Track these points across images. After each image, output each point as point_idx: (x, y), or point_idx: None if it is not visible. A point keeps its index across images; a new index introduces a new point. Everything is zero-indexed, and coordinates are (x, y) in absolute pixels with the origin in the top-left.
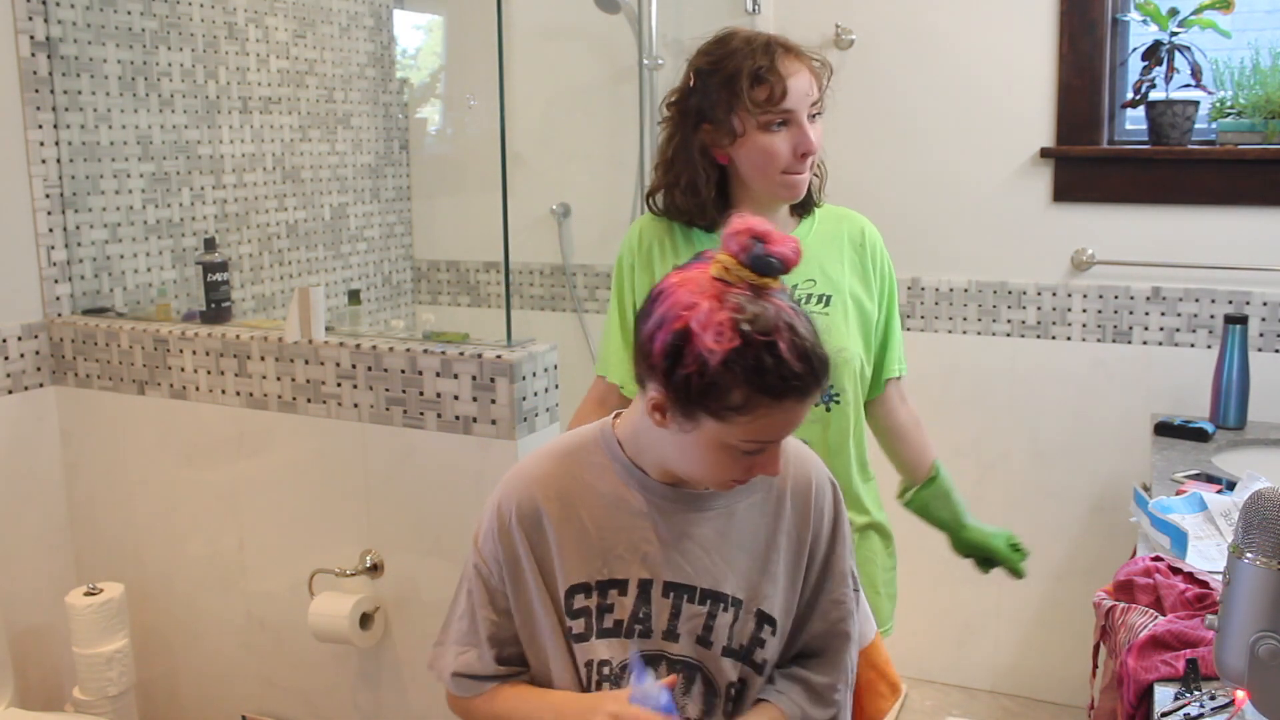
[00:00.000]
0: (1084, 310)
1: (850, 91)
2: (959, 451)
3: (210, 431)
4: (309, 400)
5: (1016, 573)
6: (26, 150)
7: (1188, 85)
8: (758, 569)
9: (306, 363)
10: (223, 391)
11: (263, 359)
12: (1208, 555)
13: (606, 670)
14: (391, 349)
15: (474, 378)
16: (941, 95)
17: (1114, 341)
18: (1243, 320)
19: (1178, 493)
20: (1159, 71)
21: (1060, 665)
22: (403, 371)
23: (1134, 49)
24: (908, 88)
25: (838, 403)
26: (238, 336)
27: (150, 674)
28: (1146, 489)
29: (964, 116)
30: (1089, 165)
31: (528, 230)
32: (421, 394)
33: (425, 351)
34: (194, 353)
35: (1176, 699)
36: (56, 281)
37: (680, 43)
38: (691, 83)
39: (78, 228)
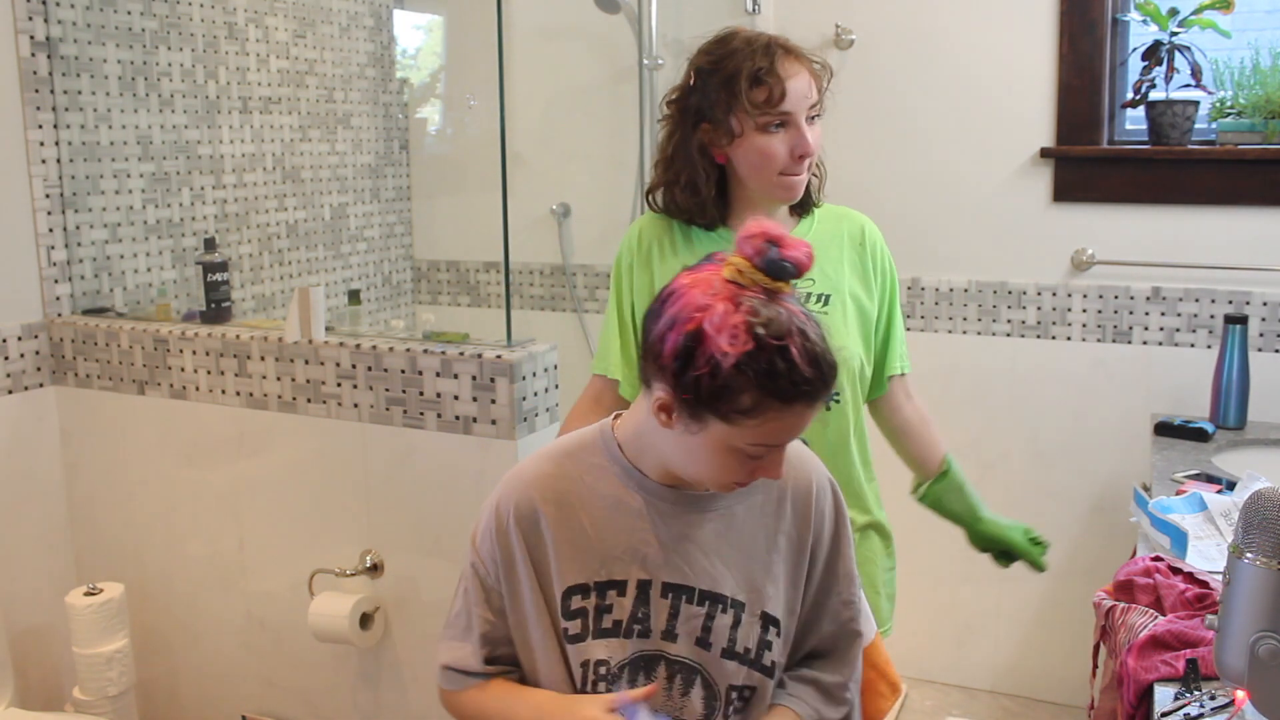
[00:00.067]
0: (1084, 310)
1: (850, 91)
2: (959, 452)
3: (210, 431)
4: (309, 400)
5: (1037, 566)
6: (26, 150)
7: (1188, 85)
8: (757, 571)
9: (306, 363)
10: (223, 391)
11: (263, 359)
12: (1208, 555)
13: (603, 670)
14: (391, 349)
15: (474, 378)
16: (941, 95)
17: (1114, 341)
18: (1243, 320)
19: (1178, 493)
20: (1159, 71)
21: (1060, 665)
22: (403, 371)
23: (1134, 49)
24: (908, 88)
25: (837, 402)
26: (238, 336)
27: (150, 674)
28: (1146, 489)
29: (964, 116)
30: (1089, 165)
31: (528, 230)
32: (421, 394)
33: (425, 351)
34: (194, 353)
35: (1176, 699)
36: (56, 281)
37: (680, 43)
38: (692, 81)
39: (78, 228)
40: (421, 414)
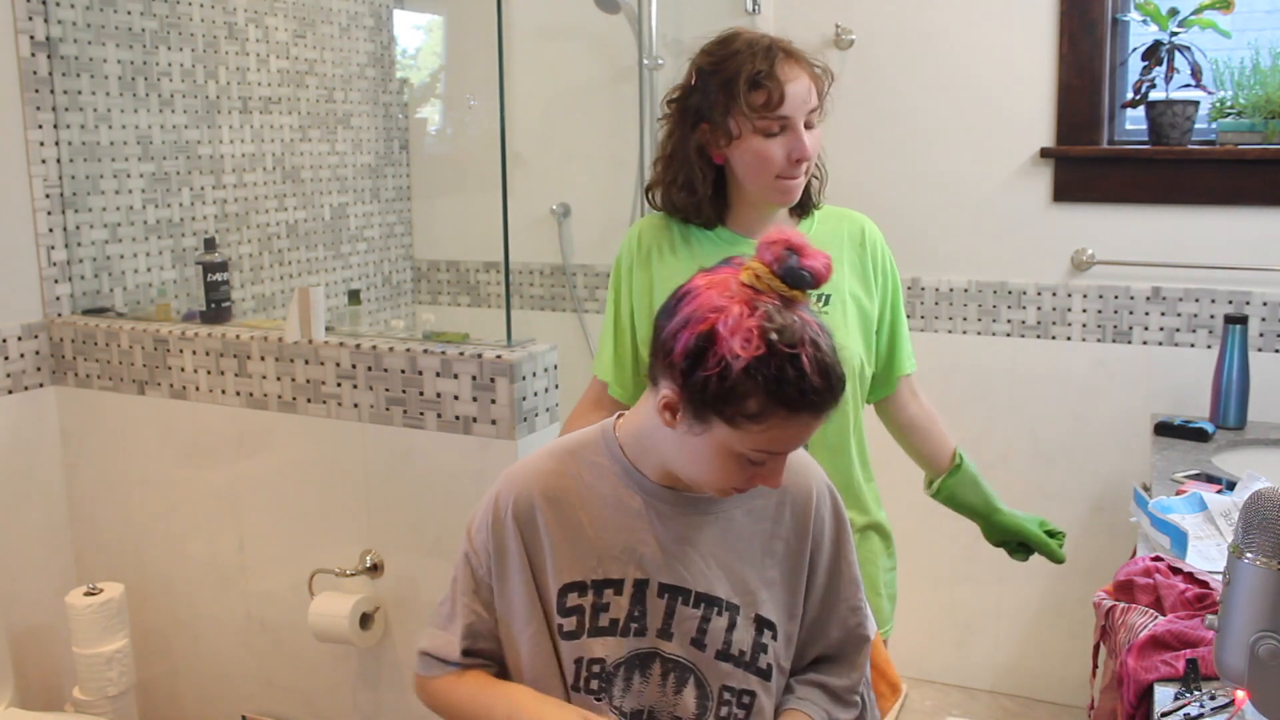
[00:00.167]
0: (1084, 310)
1: (850, 91)
2: None
3: (210, 431)
4: (309, 400)
5: (1055, 557)
6: (26, 150)
7: (1188, 85)
8: (752, 575)
9: (306, 363)
10: (223, 391)
11: (263, 359)
12: (1208, 555)
13: (598, 668)
14: (391, 349)
15: (474, 378)
16: (941, 95)
17: (1114, 341)
18: (1243, 320)
19: (1178, 493)
20: (1159, 71)
21: (1060, 665)
22: (403, 371)
23: (1134, 49)
24: (908, 88)
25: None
26: (238, 336)
27: (150, 674)
28: (1146, 489)
29: (964, 116)
30: (1089, 165)
31: (528, 230)
32: (421, 394)
33: (425, 351)
34: (194, 353)
35: (1176, 699)
36: (56, 281)
37: (680, 43)
38: (692, 81)
39: (78, 228)
40: (421, 414)
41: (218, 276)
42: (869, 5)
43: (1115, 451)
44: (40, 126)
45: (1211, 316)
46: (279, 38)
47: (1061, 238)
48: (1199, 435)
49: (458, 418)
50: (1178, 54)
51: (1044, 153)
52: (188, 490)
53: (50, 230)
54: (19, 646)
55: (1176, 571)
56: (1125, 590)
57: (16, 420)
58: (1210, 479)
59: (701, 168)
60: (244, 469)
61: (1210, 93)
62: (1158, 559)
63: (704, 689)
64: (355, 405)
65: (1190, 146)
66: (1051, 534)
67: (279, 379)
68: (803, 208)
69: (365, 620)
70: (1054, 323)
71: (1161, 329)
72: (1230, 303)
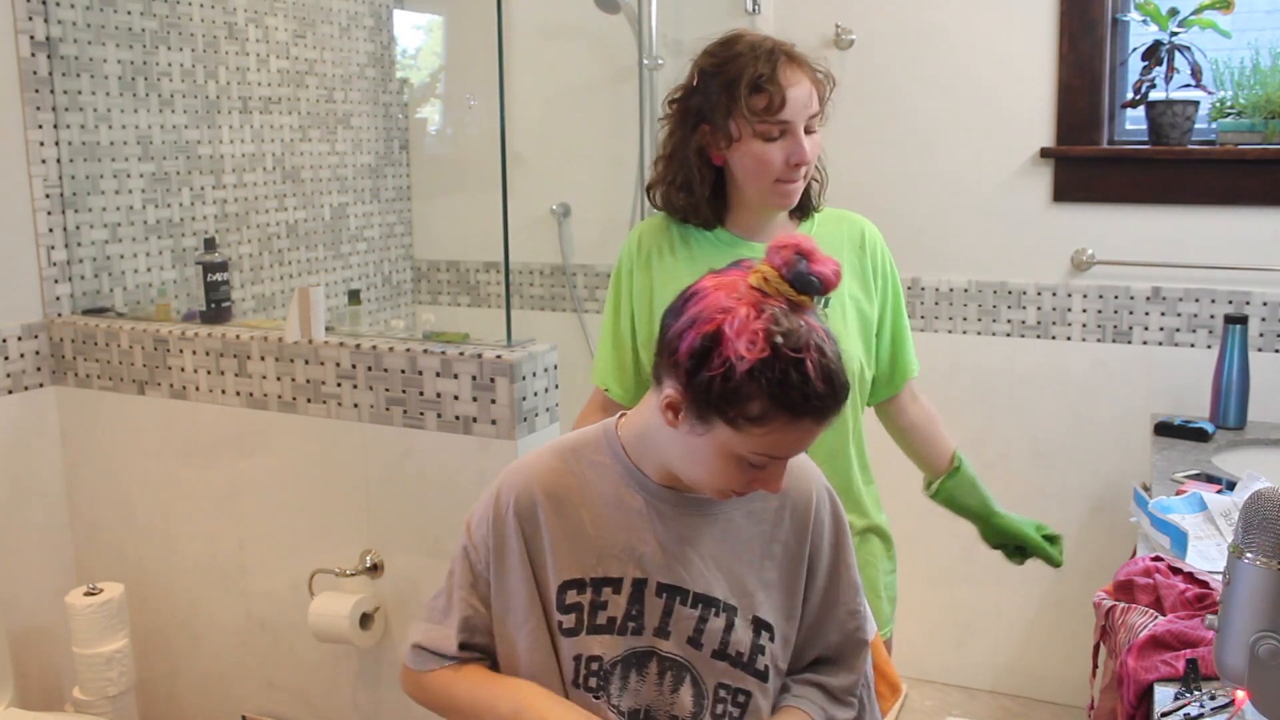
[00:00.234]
0: (1084, 310)
1: (850, 91)
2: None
3: (210, 431)
4: (309, 400)
5: (1053, 561)
6: (26, 150)
7: (1188, 85)
8: (750, 577)
9: (306, 363)
10: (223, 391)
11: (263, 359)
12: (1208, 555)
13: (596, 666)
14: (391, 349)
15: (474, 378)
16: (941, 95)
17: (1114, 341)
18: (1243, 320)
19: (1178, 493)
20: (1159, 71)
21: (1060, 665)
22: (403, 371)
23: (1134, 49)
24: (908, 88)
25: None
26: (238, 336)
27: (150, 674)
28: (1146, 489)
29: (964, 116)
30: (1089, 165)
31: (528, 230)
32: (421, 394)
33: (425, 351)
34: (194, 353)
35: (1176, 699)
36: (56, 281)
37: (680, 43)
38: (694, 82)
39: (78, 228)
40: (421, 414)
41: (218, 276)
42: (869, 5)
43: (1115, 451)
44: (40, 126)
45: (1211, 316)
46: (279, 38)
47: (1061, 238)
48: (1199, 435)
49: (458, 418)
50: (1178, 54)
51: (1044, 153)
52: (188, 490)
53: (50, 230)
54: (19, 646)
55: (1176, 571)
56: (1125, 590)
57: (16, 420)
58: (1210, 479)
59: (700, 169)
60: (244, 469)
61: (1210, 93)
62: (1158, 559)
63: (700, 688)
64: (355, 405)
65: (1190, 146)
66: (1050, 538)
67: (279, 379)
68: (803, 210)
69: (365, 620)
70: (1054, 323)
71: (1161, 329)
72: (1230, 303)
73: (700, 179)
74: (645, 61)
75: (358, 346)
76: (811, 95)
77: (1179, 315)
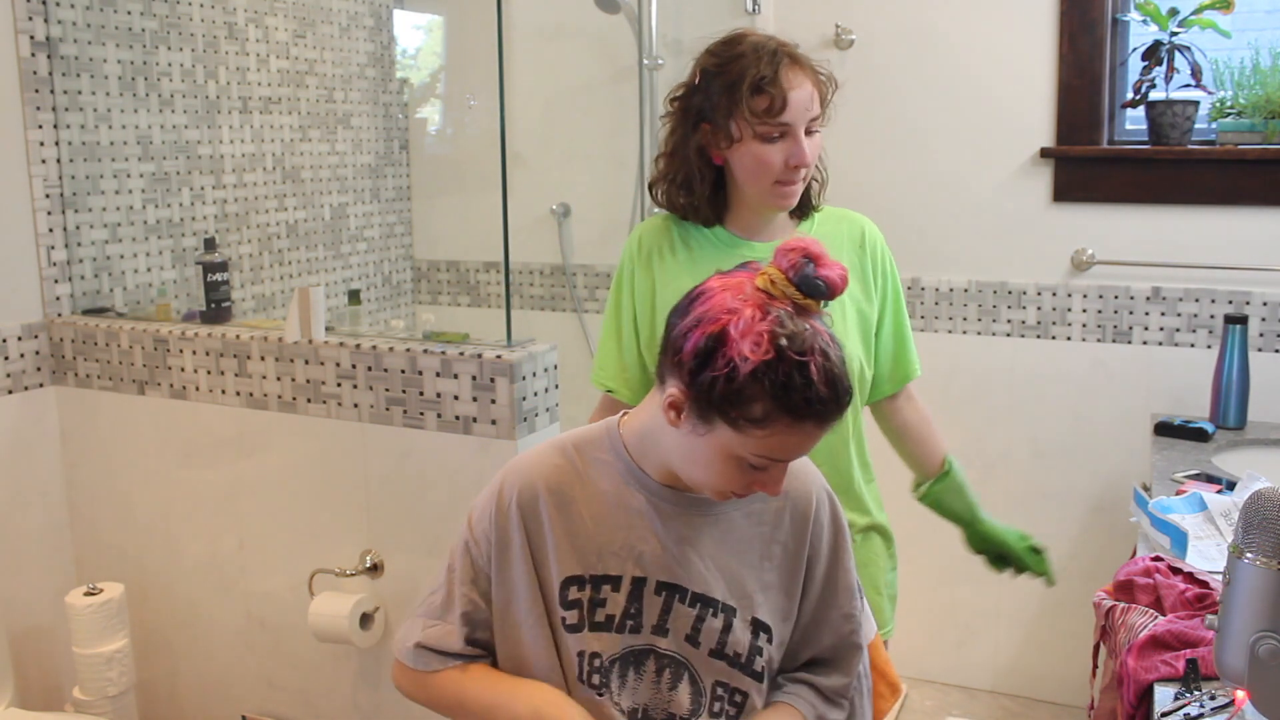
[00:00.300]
0: (1084, 310)
1: (850, 91)
2: (959, 451)
3: (210, 431)
4: (309, 400)
5: (1044, 576)
6: (26, 150)
7: (1188, 85)
8: (749, 577)
9: (306, 363)
10: (223, 391)
11: (263, 359)
12: (1208, 555)
13: (597, 663)
14: (391, 349)
15: (474, 378)
16: (941, 95)
17: (1114, 341)
18: (1243, 320)
19: (1178, 493)
20: (1159, 71)
21: (1060, 665)
22: (403, 371)
23: (1134, 49)
24: (908, 88)
25: None
26: (238, 336)
27: (150, 674)
28: (1146, 489)
29: (964, 116)
30: (1089, 165)
31: (528, 230)
32: (421, 394)
33: (425, 351)
34: (194, 353)
35: (1176, 699)
36: (56, 281)
37: (680, 43)
38: (696, 81)
39: (78, 228)
40: (421, 414)
41: (218, 276)
42: (869, 5)
43: (1115, 451)
44: (40, 126)
45: (1211, 316)
46: (279, 38)
47: (1061, 238)
48: (1199, 435)
49: (458, 418)
50: (1178, 54)
51: (1044, 153)
52: (188, 490)
53: (50, 230)
54: (19, 646)
55: (1176, 571)
56: (1125, 590)
57: (16, 420)
58: (1210, 479)
59: (701, 168)
60: (244, 469)
61: (1210, 93)
62: (1158, 559)
63: (697, 685)
64: (355, 405)
65: (1190, 146)
66: (1034, 550)
67: (279, 379)
68: (803, 210)
69: (365, 620)
70: (1054, 323)
71: (1161, 329)
72: (1230, 303)
73: (700, 178)
74: (645, 61)
75: (358, 346)
76: (813, 98)
77: (1179, 315)
